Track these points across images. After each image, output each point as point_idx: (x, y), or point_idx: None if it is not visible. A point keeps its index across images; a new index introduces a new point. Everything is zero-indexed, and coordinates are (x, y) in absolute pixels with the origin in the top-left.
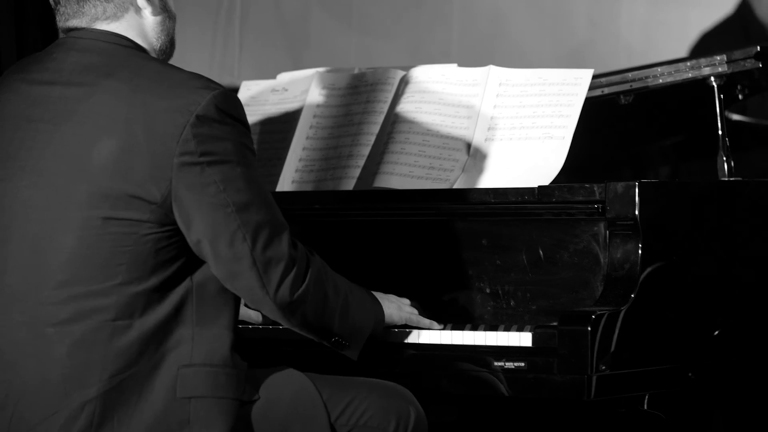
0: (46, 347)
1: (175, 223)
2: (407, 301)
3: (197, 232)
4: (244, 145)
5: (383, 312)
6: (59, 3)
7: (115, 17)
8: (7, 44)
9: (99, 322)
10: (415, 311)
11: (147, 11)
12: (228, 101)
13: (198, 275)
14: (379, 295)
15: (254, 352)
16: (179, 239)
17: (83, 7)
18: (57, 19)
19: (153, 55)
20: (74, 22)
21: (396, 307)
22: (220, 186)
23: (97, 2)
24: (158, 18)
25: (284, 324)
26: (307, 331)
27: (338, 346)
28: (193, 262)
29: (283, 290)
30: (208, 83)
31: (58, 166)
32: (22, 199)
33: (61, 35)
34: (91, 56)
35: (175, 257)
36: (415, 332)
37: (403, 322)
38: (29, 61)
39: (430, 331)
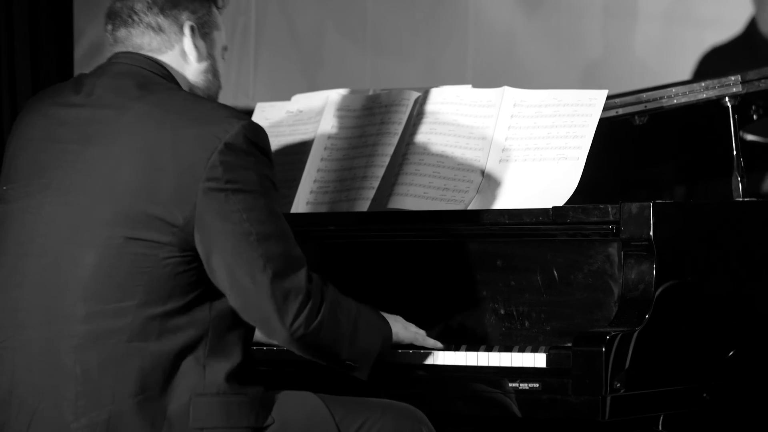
0: (61, 364)
1: (194, 249)
2: (413, 326)
3: (217, 259)
4: (267, 178)
5: (391, 330)
6: (111, 26)
7: (160, 51)
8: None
9: (114, 343)
10: (422, 332)
11: (192, 57)
12: (256, 132)
13: (217, 305)
14: (385, 315)
15: (268, 374)
16: (198, 266)
17: (131, 34)
18: (107, 41)
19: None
20: (121, 48)
21: (402, 326)
22: (244, 215)
23: (146, 31)
24: (202, 65)
25: (296, 352)
26: (318, 358)
27: (348, 369)
28: (212, 291)
29: (299, 323)
30: (237, 113)
31: (83, 184)
32: (45, 216)
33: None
34: (125, 79)
35: (194, 284)
36: (429, 354)
37: (409, 341)
38: (61, 86)
39: (445, 352)
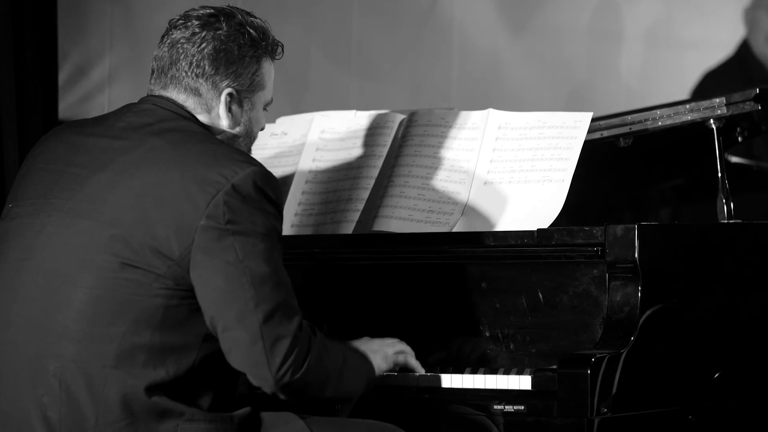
0: (47, 383)
1: (189, 286)
2: (390, 341)
3: (208, 296)
4: (272, 227)
5: (374, 371)
6: (154, 72)
7: (194, 111)
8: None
9: (99, 367)
10: (401, 349)
11: (225, 122)
12: (267, 180)
13: (204, 350)
14: (364, 346)
15: (252, 395)
16: (191, 303)
17: (168, 88)
18: (149, 80)
19: None
20: (155, 91)
21: (382, 356)
22: (240, 255)
23: (182, 90)
24: (235, 130)
25: (280, 397)
26: (301, 403)
27: (331, 409)
28: (201, 332)
29: (284, 370)
30: (251, 159)
31: (87, 209)
32: (46, 235)
33: None
34: (148, 117)
35: (184, 319)
36: (414, 376)
37: (391, 367)
38: (87, 119)
39: (430, 374)
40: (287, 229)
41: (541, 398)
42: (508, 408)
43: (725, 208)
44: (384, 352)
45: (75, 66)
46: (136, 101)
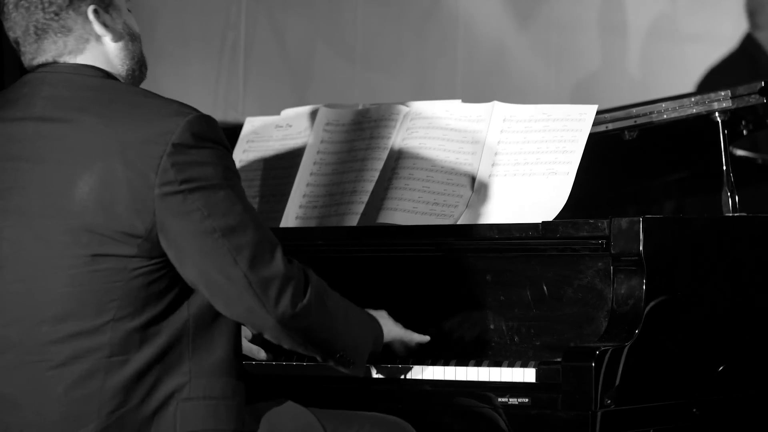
0: (43, 387)
1: (164, 254)
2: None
3: (187, 263)
4: (225, 167)
5: (381, 328)
6: (20, 44)
7: (78, 50)
8: None
9: (95, 360)
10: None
11: (107, 38)
12: (203, 125)
13: (194, 306)
14: (373, 312)
15: (256, 389)
16: (170, 270)
17: (42, 45)
18: (23, 60)
19: (122, 81)
20: (39, 60)
21: (392, 323)
22: (204, 212)
23: (56, 38)
24: (120, 43)
25: (287, 344)
26: (311, 348)
27: (343, 363)
28: (186, 292)
29: (284, 305)
30: (180, 109)
31: (40, 205)
32: (8, 240)
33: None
34: (62, 90)
35: (167, 288)
36: (418, 368)
37: (400, 337)
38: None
39: (434, 366)
40: (292, 222)
41: (546, 391)
42: (513, 401)
43: (730, 201)
44: (393, 322)
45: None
46: (34, 72)
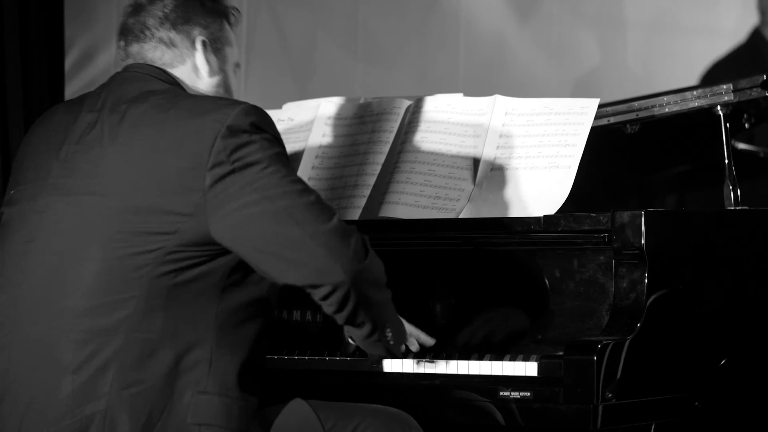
0: (58, 359)
1: (203, 242)
2: None
3: (245, 242)
4: (275, 152)
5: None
6: (123, 42)
7: (172, 65)
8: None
9: (115, 334)
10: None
11: (203, 71)
12: (258, 114)
13: (224, 302)
14: None
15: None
16: (205, 260)
17: (143, 48)
18: (120, 57)
19: None
20: (131, 61)
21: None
22: (258, 192)
23: (158, 46)
24: (211, 80)
25: (350, 306)
26: (367, 314)
27: (386, 340)
28: (219, 286)
29: (355, 258)
30: (237, 101)
31: (88, 184)
32: (51, 215)
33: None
34: (130, 84)
35: (198, 277)
36: (420, 362)
37: (409, 332)
38: (76, 98)
39: (436, 360)
40: None
41: (548, 385)
42: (515, 394)
43: (732, 194)
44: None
45: (81, 52)
46: (118, 71)
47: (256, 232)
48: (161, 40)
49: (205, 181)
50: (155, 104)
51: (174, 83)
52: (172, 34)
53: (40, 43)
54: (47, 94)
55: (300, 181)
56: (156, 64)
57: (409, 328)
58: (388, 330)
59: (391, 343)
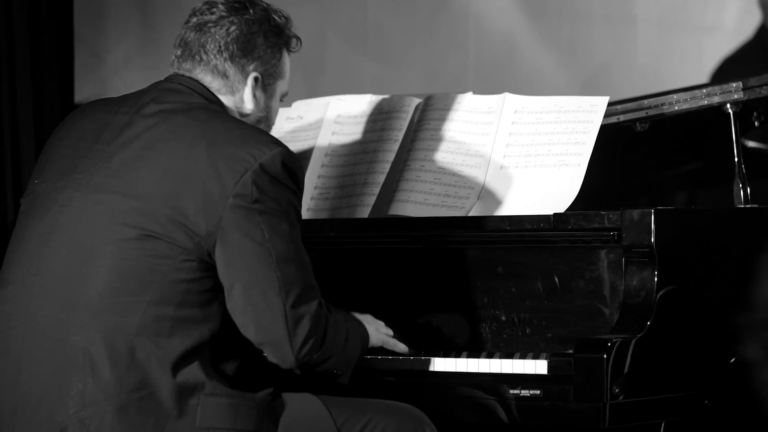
0: (70, 354)
1: (213, 261)
2: (382, 323)
3: (233, 274)
4: (294, 207)
5: (368, 339)
6: (180, 52)
7: (219, 92)
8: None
9: (124, 336)
10: (391, 333)
11: (248, 105)
12: (293, 161)
13: (228, 318)
14: (359, 316)
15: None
16: (213, 276)
17: (196, 69)
18: (170, 61)
19: None
20: (180, 71)
21: (374, 329)
22: (266, 234)
23: (209, 71)
24: (255, 116)
25: (293, 371)
26: (311, 374)
27: (334, 377)
28: (224, 302)
29: (306, 350)
30: (277, 140)
31: (114, 184)
32: (72, 209)
33: None
34: (175, 95)
35: (208, 290)
36: (430, 360)
37: (380, 344)
38: (113, 97)
39: (446, 358)
40: (303, 213)
41: (557, 383)
42: (524, 392)
43: (742, 192)
44: (376, 326)
45: (91, 50)
46: (162, 79)
47: (241, 274)
48: (215, 68)
49: (224, 210)
50: (195, 118)
51: (217, 102)
52: (227, 65)
53: (50, 41)
54: (57, 93)
55: (303, 250)
56: (203, 83)
57: (382, 338)
58: (334, 372)
59: (340, 376)
